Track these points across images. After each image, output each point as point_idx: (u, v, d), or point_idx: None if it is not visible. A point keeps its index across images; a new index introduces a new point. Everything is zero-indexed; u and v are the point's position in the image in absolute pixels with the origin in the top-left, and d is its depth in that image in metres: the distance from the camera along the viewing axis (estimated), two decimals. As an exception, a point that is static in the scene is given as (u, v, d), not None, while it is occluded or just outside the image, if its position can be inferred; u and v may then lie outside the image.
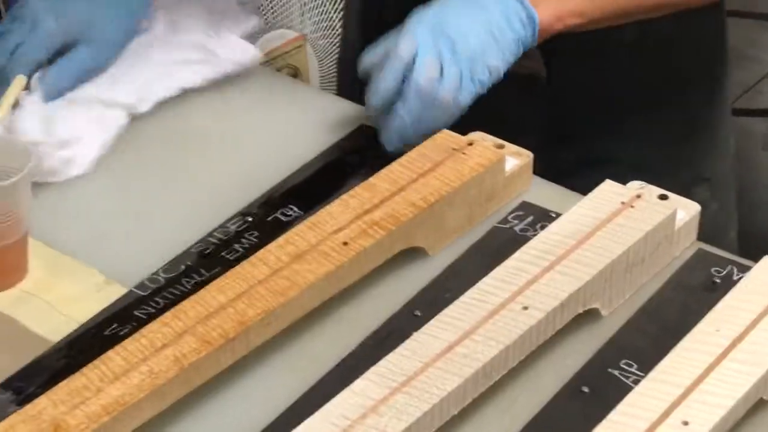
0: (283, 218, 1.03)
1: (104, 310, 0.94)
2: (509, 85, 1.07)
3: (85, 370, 0.82)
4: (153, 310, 0.92)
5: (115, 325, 0.91)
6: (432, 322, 0.84)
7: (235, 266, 0.90)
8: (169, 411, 0.84)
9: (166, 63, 1.23)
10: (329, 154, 1.13)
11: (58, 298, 0.99)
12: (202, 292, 0.88)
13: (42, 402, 0.80)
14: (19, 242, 1.01)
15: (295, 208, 1.04)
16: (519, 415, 0.82)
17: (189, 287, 0.94)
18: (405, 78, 1.01)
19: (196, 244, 1.00)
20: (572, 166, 1.18)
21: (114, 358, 0.84)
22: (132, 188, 1.15)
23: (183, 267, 0.97)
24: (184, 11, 1.28)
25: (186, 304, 0.88)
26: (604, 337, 0.90)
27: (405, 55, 1.00)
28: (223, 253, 0.99)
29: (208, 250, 1.00)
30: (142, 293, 0.95)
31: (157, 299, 0.95)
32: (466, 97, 1.01)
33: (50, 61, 1.14)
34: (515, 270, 0.90)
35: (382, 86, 1.02)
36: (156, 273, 0.97)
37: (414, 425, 0.76)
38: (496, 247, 0.97)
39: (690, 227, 1.00)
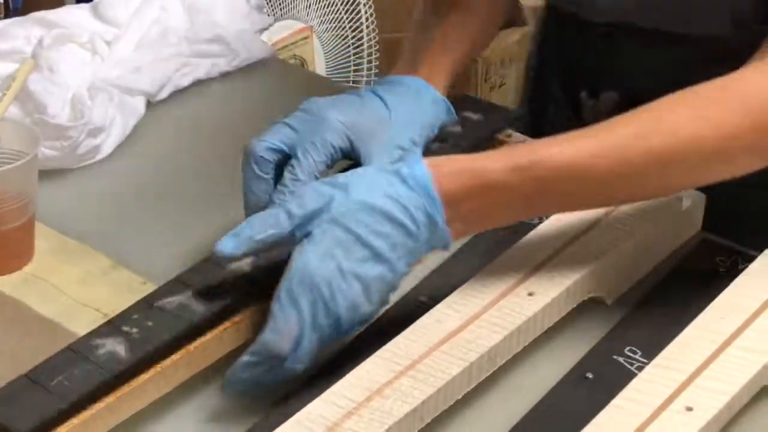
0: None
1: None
2: None
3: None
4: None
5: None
6: (438, 307, 0.84)
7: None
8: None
9: (185, 54, 1.25)
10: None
11: (65, 281, 0.98)
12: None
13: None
14: (26, 225, 1.01)
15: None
16: (523, 400, 0.81)
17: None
18: None
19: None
20: None
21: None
22: (146, 174, 1.15)
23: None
24: (202, 7, 1.31)
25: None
26: (609, 324, 0.89)
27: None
28: None
29: None
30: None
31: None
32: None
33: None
34: (521, 256, 0.89)
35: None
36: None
37: (419, 408, 0.75)
38: (501, 233, 0.94)
39: (695, 216, 0.98)
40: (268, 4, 1.56)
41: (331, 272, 0.81)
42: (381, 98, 1.01)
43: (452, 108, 1.07)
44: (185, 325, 0.84)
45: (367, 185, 0.86)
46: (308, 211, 0.84)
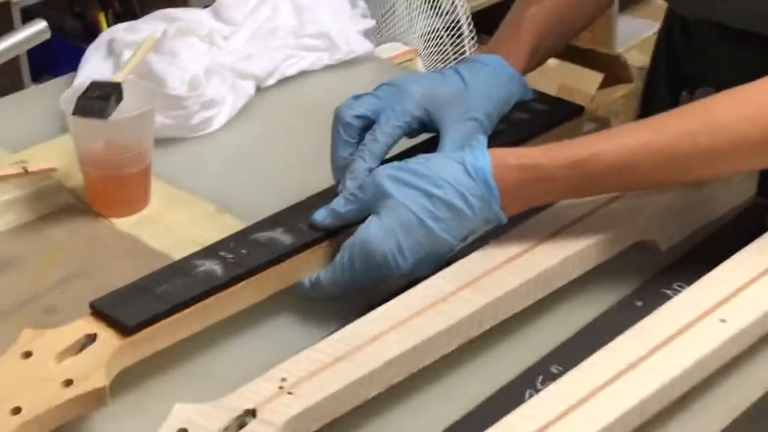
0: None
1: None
2: None
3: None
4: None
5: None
6: (499, 237, 0.92)
7: None
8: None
9: (293, 47, 1.31)
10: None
11: (174, 223, 1.07)
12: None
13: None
14: (143, 172, 1.08)
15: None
16: (574, 323, 0.86)
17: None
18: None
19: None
20: None
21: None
22: (253, 148, 1.22)
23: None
24: (309, 6, 1.36)
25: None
26: (661, 266, 0.94)
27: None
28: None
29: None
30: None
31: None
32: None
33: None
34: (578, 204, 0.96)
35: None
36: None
37: (477, 312, 0.82)
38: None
39: (749, 183, 1.01)
40: (376, 27, 1.62)
41: (390, 249, 0.90)
42: (459, 74, 1.05)
43: (527, 85, 1.10)
44: (274, 254, 0.92)
45: (435, 173, 0.93)
46: (379, 193, 0.92)
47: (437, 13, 2.29)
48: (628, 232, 0.95)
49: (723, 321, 0.77)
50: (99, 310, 0.85)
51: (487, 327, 0.84)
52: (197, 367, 0.89)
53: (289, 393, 0.77)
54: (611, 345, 0.77)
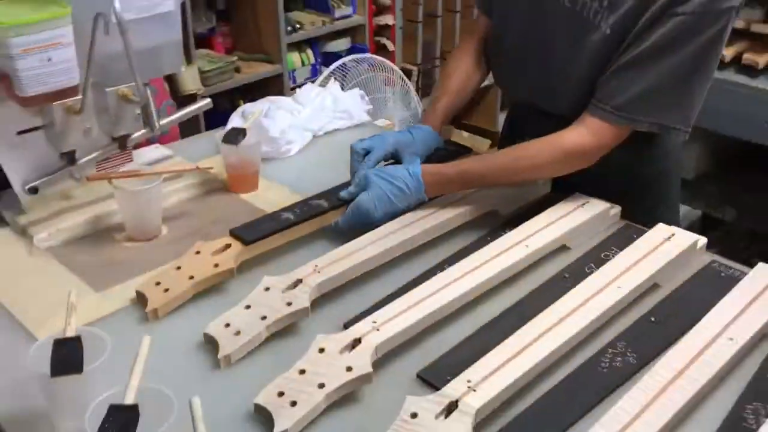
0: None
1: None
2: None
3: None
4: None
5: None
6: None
7: None
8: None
9: (331, 117, 1.44)
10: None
11: (270, 197, 1.17)
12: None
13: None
14: (255, 173, 1.21)
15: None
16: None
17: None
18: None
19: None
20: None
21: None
22: (309, 164, 1.32)
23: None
24: (340, 98, 1.47)
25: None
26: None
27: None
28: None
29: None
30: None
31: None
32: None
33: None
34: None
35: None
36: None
37: (407, 240, 0.99)
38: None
39: (548, 183, 1.14)
40: (373, 110, 1.65)
41: (370, 206, 1.02)
42: (411, 132, 1.14)
43: (441, 140, 1.18)
44: (317, 210, 1.06)
45: (396, 174, 1.04)
46: (367, 181, 1.04)
47: (407, 108, 2.40)
48: (483, 204, 1.10)
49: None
50: (233, 233, 0.99)
51: (400, 252, 0.98)
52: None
53: (318, 272, 0.91)
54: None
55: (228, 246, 0.97)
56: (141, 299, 0.91)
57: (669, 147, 1.17)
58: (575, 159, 1.02)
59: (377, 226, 1.02)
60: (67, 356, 0.67)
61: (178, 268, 0.94)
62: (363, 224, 1.02)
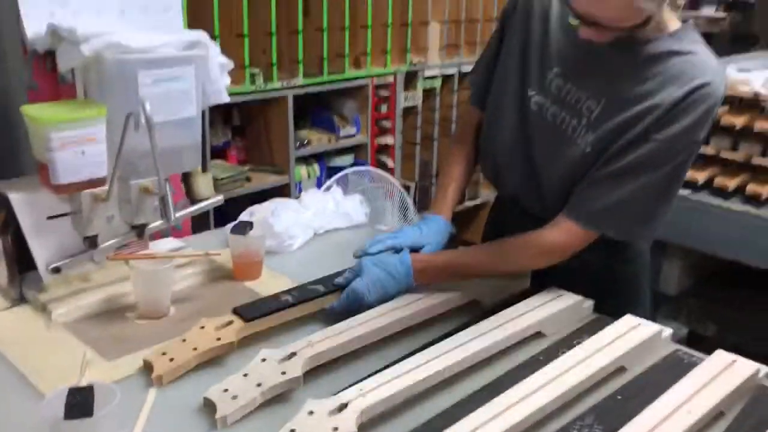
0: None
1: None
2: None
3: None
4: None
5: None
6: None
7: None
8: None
9: (331, 217, 1.52)
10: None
11: (271, 284, 1.21)
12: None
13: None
14: (259, 262, 1.27)
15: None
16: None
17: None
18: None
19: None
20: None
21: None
22: (309, 257, 1.37)
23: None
24: (340, 202, 1.57)
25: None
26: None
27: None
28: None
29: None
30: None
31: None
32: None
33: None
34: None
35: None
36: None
37: (387, 326, 1.07)
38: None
39: (526, 277, 1.20)
40: (372, 215, 1.67)
41: (364, 291, 1.08)
42: (419, 227, 1.19)
43: (453, 227, 1.23)
44: (313, 294, 1.11)
45: (387, 261, 1.11)
46: (363, 268, 1.10)
47: (405, 220, 2.48)
48: (467, 294, 1.17)
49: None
50: (235, 311, 1.05)
51: (388, 332, 1.04)
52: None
53: (311, 347, 0.96)
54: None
55: (230, 322, 1.04)
56: (148, 367, 0.97)
57: (638, 250, 1.27)
58: (550, 255, 1.11)
59: (369, 308, 1.09)
60: (80, 402, 0.74)
61: (184, 340, 1.01)
62: (357, 307, 1.07)
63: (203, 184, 2.16)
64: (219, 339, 1.00)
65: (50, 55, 1.21)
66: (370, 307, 1.07)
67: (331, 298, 1.12)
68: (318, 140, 2.79)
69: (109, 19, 1.28)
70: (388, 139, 3.08)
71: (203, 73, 1.26)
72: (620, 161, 1.04)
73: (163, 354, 0.97)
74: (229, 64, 1.34)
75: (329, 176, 2.54)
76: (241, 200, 2.52)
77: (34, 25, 1.19)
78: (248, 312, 1.05)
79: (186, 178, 1.86)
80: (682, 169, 1.05)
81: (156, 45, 1.18)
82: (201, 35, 1.25)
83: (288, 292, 1.11)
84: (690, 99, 1.00)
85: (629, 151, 1.03)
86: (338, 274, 1.15)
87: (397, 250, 1.14)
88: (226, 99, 1.31)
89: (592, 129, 1.07)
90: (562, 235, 1.08)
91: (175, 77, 1.20)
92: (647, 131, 1.02)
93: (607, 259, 1.19)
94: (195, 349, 0.97)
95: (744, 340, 2.17)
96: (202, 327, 1.02)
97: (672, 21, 1.05)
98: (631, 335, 1.04)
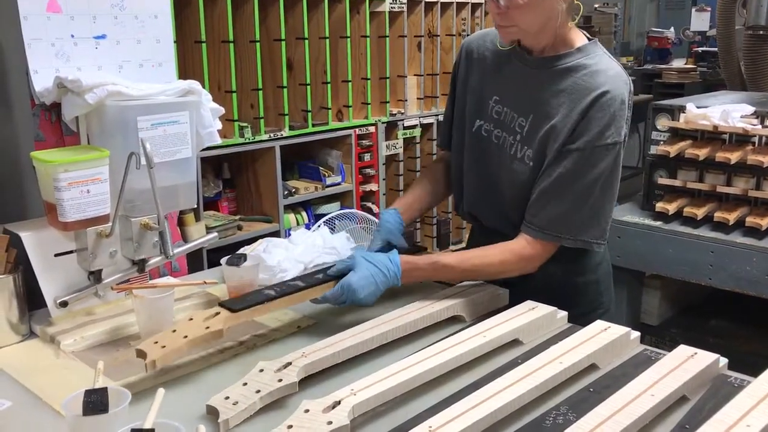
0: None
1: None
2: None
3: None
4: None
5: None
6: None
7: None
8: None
9: (320, 253, 1.57)
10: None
11: (266, 314, 1.23)
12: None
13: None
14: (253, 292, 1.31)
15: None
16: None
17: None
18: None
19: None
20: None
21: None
22: None
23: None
24: (327, 239, 1.66)
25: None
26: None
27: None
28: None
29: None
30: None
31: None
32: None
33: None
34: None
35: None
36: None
37: (381, 335, 1.16)
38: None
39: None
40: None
41: (357, 286, 1.14)
42: (378, 230, 1.32)
43: (402, 221, 1.34)
44: (295, 288, 1.18)
45: (378, 259, 1.18)
46: (356, 262, 1.17)
47: None
48: (450, 310, 1.25)
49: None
50: (222, 304, 1.12)
51: (377, 344, 1.11)
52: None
53: (305, 357, 1.03)
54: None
55: (217, 314, 1.10)
56: (141, 355, 1.00)
57: (597, 260, 1.35)
58: (521, 262, 1.20)
59: (359, 303, 1.15)
60: (96, 401, 0.82)
61: (174, 330, 1.05)
62: (348, 299, 1.14)
63: (197, 232, 2.25)
64: (208, 328, 1.05)
65: (55, 107, 1.31)
66: (360, 300, 1.13)
67: (311, 292, 1.19)
68: (305, 189, 2.89)
69: (109, 73, 1.38)
70: (372, 186, 3.18)
71: (197, 118, 1.36)
72: (552, 176, 1.14)
73: (155, 342, 1.02)
74: (220, 110, 1.45)
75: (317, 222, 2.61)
76: (234, 247, 2.57)
77: (41, 80, 1.29)
78: (234, 304, 1.11)
79: (181, 226, 1.97)
80: (613, 170, 1.13)
81: (153, 93, 1.29)
82: (194, 84, 1.37)
83: (271, 287, 1.19)
84: (594, 109, 1.11)
85: (555, 165, 1.13)
86: (319, 271, 1.24)
87: (384, 250, 1.23)
88: (217, 140, 1.42)
89: (526, 143, 1.17)
90: (526, 246, 1.18)
91: (172, 121, 1.30)
92: (564, 144, 1.12)
93: (568, 272, 1.28)
94: (185, 336, 1.03)
95: (729, 366, 2.22)
96: (191, 319, 1.08)
97: (579, 38, 1.17)
98: (602, 336, 1.11)
